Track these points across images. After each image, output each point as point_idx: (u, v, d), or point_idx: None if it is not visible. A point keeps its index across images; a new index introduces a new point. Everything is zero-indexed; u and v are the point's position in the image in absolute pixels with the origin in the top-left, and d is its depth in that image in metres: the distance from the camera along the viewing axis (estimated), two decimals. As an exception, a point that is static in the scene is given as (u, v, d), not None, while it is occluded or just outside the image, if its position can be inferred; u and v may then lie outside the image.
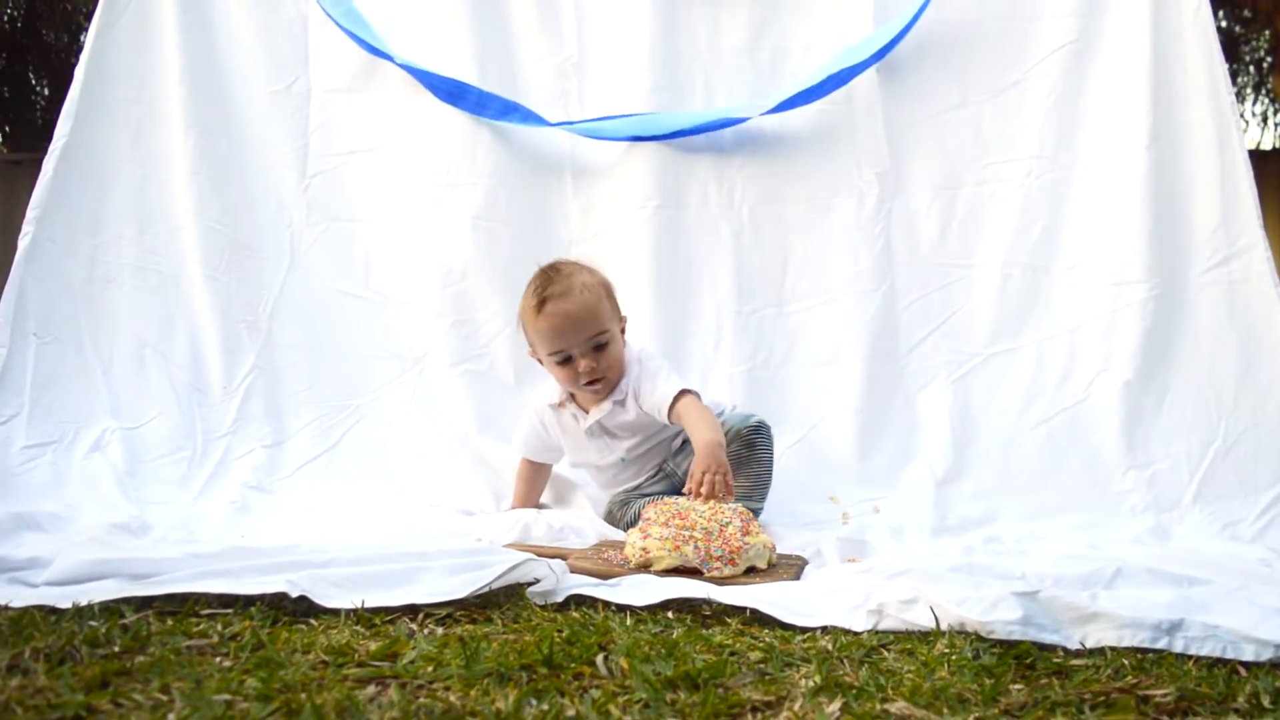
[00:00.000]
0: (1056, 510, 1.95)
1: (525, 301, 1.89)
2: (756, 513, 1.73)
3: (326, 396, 2.29)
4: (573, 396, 1.92)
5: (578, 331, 1.82)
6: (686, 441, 1.85)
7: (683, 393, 1.80)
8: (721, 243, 2.34)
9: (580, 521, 1.81)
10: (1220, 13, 5.51)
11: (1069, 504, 1.99)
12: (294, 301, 2.36)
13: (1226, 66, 2.26)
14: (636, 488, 1.94)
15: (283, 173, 2.43)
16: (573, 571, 1.46)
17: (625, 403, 1.87)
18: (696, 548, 1.47)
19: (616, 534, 1.75)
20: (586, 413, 1.90)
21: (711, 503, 1.57)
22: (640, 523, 1.57)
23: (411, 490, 2.10)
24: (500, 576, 1.32)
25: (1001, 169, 2.32)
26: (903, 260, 2.32)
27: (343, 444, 2.22)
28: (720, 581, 1.43)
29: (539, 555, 1.43)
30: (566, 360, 1.84)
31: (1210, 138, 2.21)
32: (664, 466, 1.94)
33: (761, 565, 1.50)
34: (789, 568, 1.52)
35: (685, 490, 1.68)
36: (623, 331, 1.91)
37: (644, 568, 1.49)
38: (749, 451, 1.85)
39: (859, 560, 1.59)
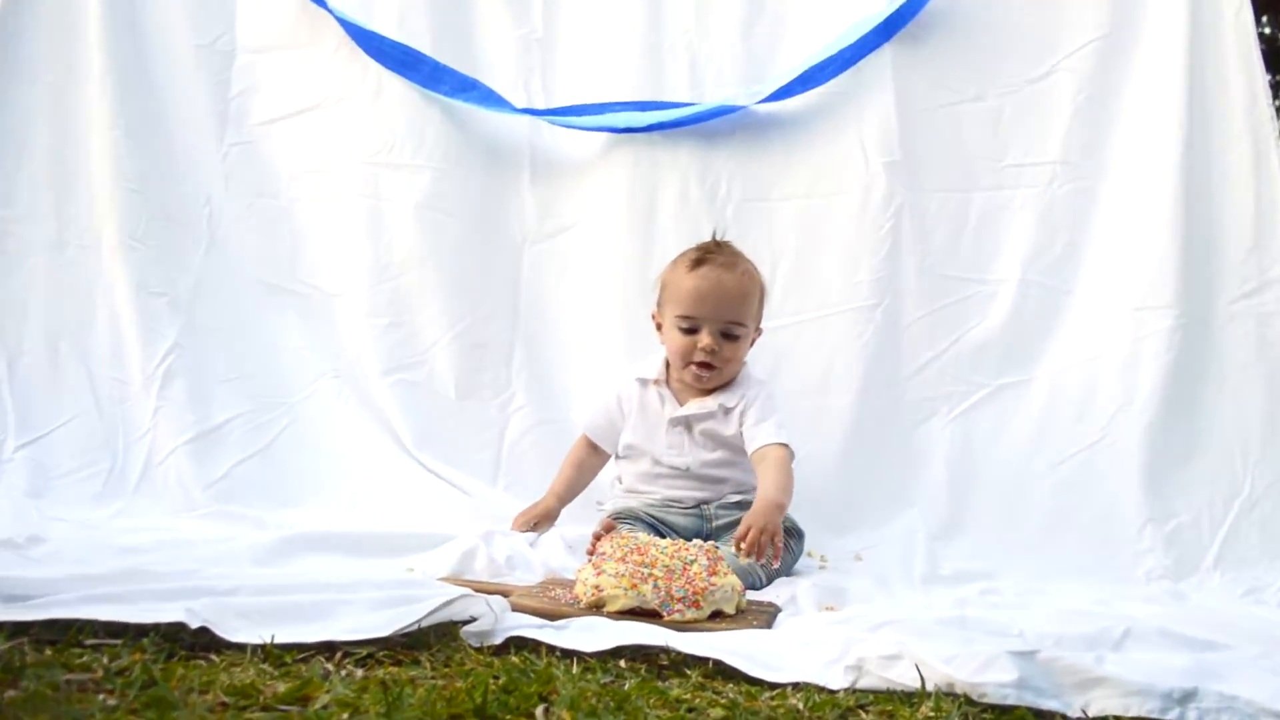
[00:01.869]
0: (1064, 570, 2.00)
1: (680, 256, 2.08)
2: (753, 588, 1.77)
3: (255, 389, 2.33)
4: (667, 380, 2.07)
5: (721, 306, 2.00)
6: (739, 505, 1.97)
7: (783, 445, 1.96)
8: (702, 246, 2.38)
9: (530, 553, 1.84)
10: (1265, 18, 5.53)
11: (1079, 563, 2.04)
12: (215, 283, 2.41)
13: (1267, 78, 2.31)
14: (663, 507, 2.00)
15: (201, 139, 2.45)
16: (515, 610, 1.48)
17: (731, 413, 2.00)
18: (656, 587, 1.50)
19: (570, 570, 1.78)
20: (679, 403, 2.04)
21: (677, 541, 1.60)
22: (593, 558, 1.60)
23: (358, 506, 2.17)
24: (431, 613, 1.33)
25: (1022, 173, 2.37)
26: (910, 271, 2.36)
27: (277, 446, 2.27)
28: (681, 626, 1.45)
29: (477, 591, 1.44)
30: (691, 331, 2.00)
31: (1246, 154, 2.26)
32: (705, 509, 2.02)
33: (729, 610, 1.53)
34: (760, 614, 1.55)
35: (733, 540, 1.79)
36: (752, 342, 2.08)
37: (596, 608, 1.51)
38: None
39: (837, 609, 1.62)
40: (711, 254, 2.06)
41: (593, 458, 2.16)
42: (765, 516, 1.81)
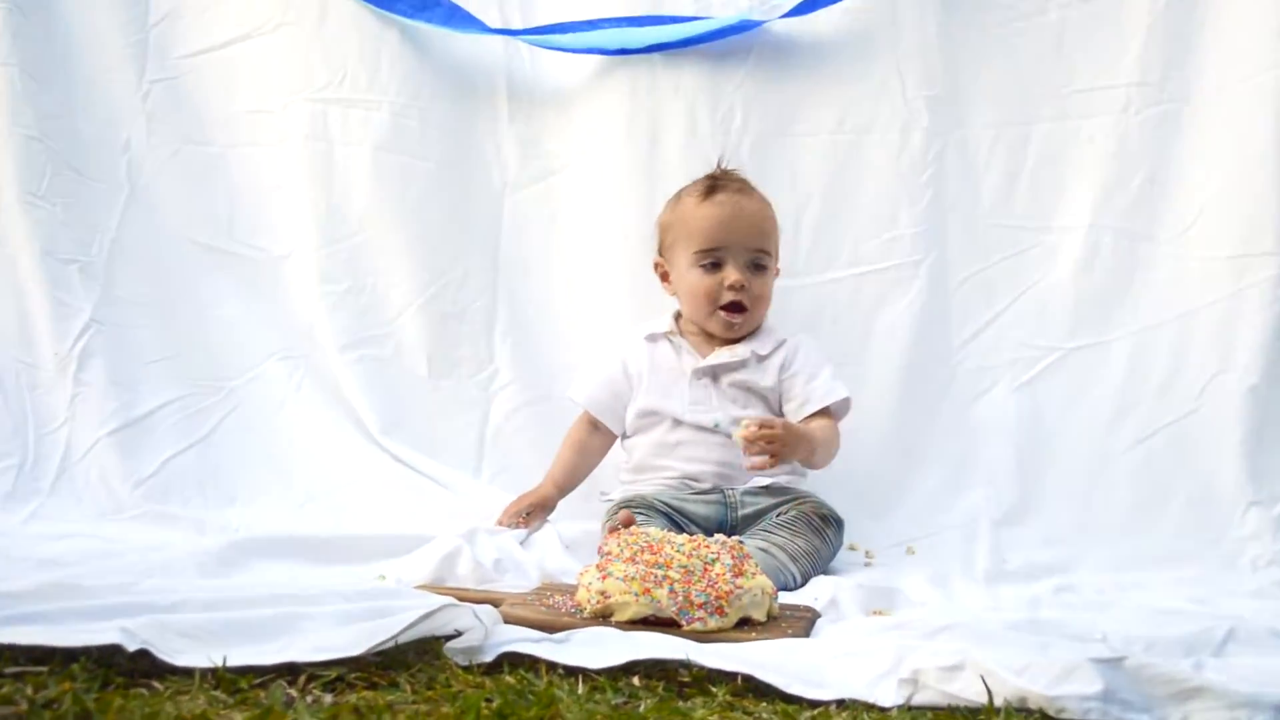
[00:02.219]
0: (1153, 561, 2.02)
1: (683, 191, 2.15)
2: (784, 588, 1.79)
3: (190, 371, 2.34)
4: (679, 330, 2.14)
5: (746, 232, 2.08)
6: (769, 490, 2.03)
7: (841, 402, 2.08)
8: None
9: (522, 555, 1.86)
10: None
11: (1170, 553, 2.05)
12: (137, 246, 2.42)
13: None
14: (680, 488, 2.04)
15: (115, 75, 2.45)
16: (508, 622, 1.48)
17: (767, 362, 2.07)
18: (673, 591, 1.50)
19: (570, 573, 1.79)
20: (699, 355, 2.11)
21: (695, 537, 1.61)
22: (598, 558, 1.59)
23: (317, 504, 2.20)
24: (409, 627, 1.33)
25: (1091, 100, 2.36)
26: (958, 220, 2.37)
27: (218, 436, 2.29)
28: (704, 636, 1.46)
29: (462, 599, 1.45)
30: (715, 266, 2.07)
31: None
32: (728, 495, 2.05)
33: (759, 616, 1.53)
34: (795, 621, 1.55)
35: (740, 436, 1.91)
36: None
37: (602, 617, 1.51)
38: (814, 533, 1.95)
39: (888, 613, 1.63)
40: (723, 180, 2.12)
41: (595, 439, 2.19)
42: (789, 430, 1.94)
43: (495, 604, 1.53)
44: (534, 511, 2.08)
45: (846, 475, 2.16)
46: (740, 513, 2.04)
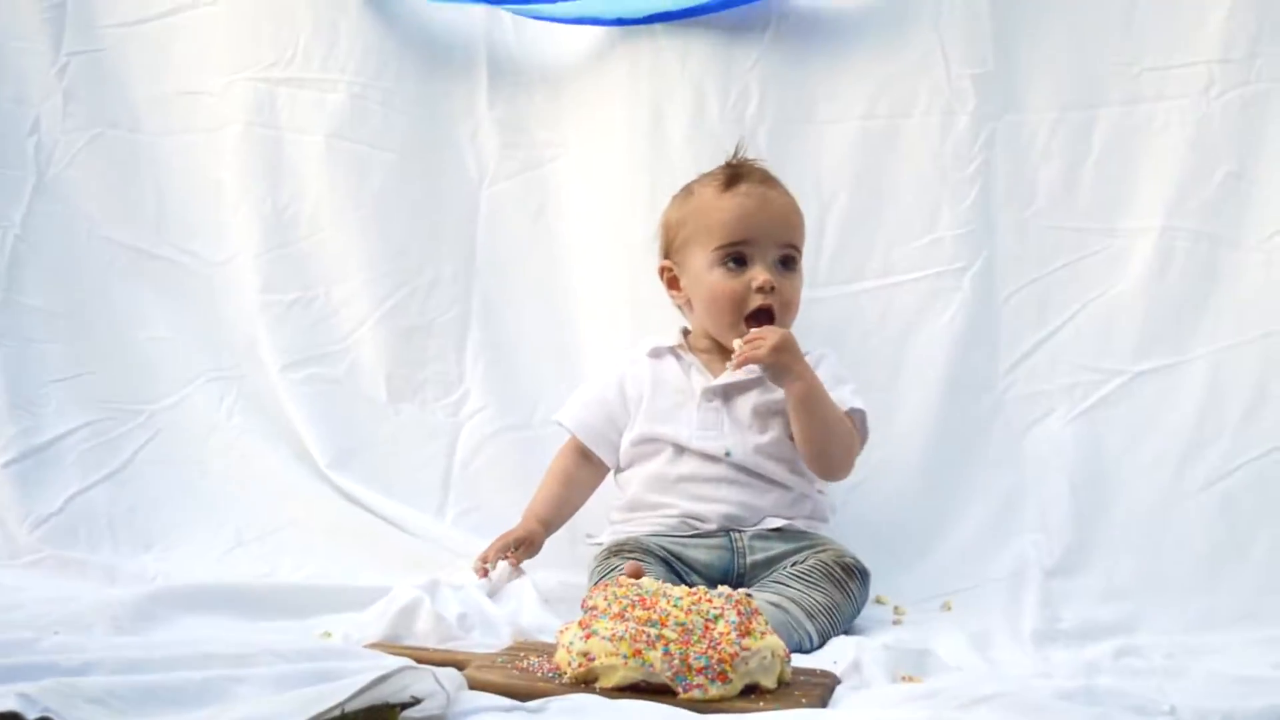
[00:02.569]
0: (1230, 620, 2.00)
1: (696, 184, 2.18)
2: (799, 649, 1.79)
3: (103, 392, 2.36)
4: (688, 345, 2.17)
5: (774, 226, 2.11)
6: (782, 534, 2.06)
7: (856, 412, 2.09)
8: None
9: (492, 609, 1.85)
10: None
11: (1250, 610, 2.04)
12: (44, 245, 2.44)
13: None
14: (681, 529, 2.05)
15: (25, 45, 2.47)
16: (474, 687, 1.48)
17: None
18: (668, 653, 1.49)
19: (548, 630, 1.78)
20: (710, 374, 2.13)
21: (695, 589, 1.60)
22: (581, 614, 1.58)
23: (251, 548, 2.21)
24: (359, 693, 1.32)
25: (1165, 80, 2.36)
26: (1008, 221, 2.38)
27: (135, 469, 2.31)
28: (704, 707, 1.45)
29: (421, 660, 1.44)
30: (740, 264, 2.09)
31: None
32: (736, 538, 2.05)
33: (768, 683, 1.52)
34: (811, 688, 1.54)
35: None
36: None
37: (585, 683, 1.50)
38: (834, 585, 1.95)
39: (919, 679, 1.62)
40: (745, 169, 2.15)
41: (584, 471, 2.20)
42: (786, 336, 2.02)
43: (460, 666, 1.52)
44: (521, 549, 2.09)
45: (872, 518, 2.18)
46: (749, 559, 2.04)
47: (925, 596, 2.13)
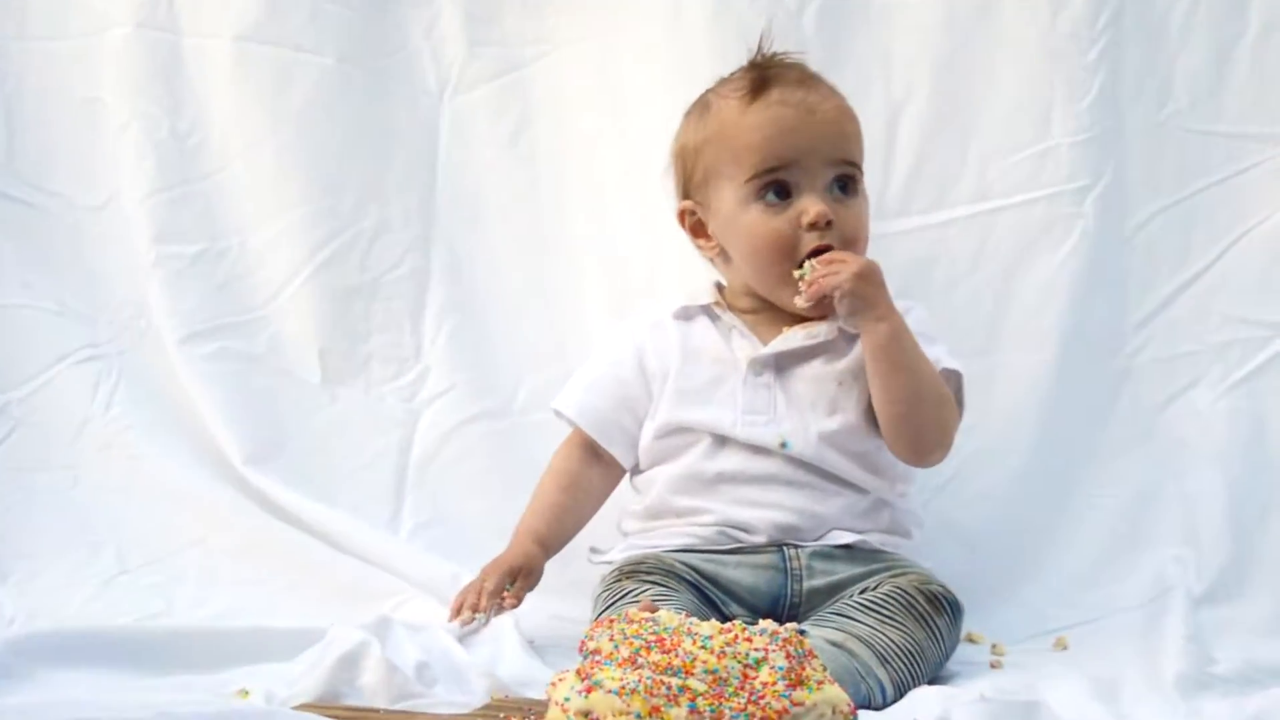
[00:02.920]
0: None
1: (712, 95, 2.13)
2: (867, 704, 1.77)
3: None
4: (724, 302, 2.14)
5: (822, 140, 2.05)
6: (851, 553, 2.03)
7: (952, 374, 2.07)
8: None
9: (460, 655, 1.84)
10: None
11: None
12: None
13: None
14: (716, 543, 2.03)
15: None
16: None
17: (856, 340, 2.05)
18: (695, 710, 1.46)
19: (536, 682, 1.77)
20: (757, 340, 2.10)
21: (730, 624, 1.58)
22: (580, 659, 1.56)
23: (141, 578, 2.22)
24: None
25: None
26: (1140, 124, 2.36)
27: None
28: (744, 784, 1.44)
29: None
30: (783, 195, 2.04)
31: None
32: (791, 555, 2.03)
33: None
34: None
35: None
36: None
37: None
38: (915, 620, 1.93)
39: None
40: (774, 70, 2.10)
41: (592, 473, 2.17)
42: (868, 263, 1.98)
43: None
44: (518, 583, 2.08)
45: (963, 526, 2.19)
46: (806, 584, 2.01)
47: (1032, 632, 2.12)
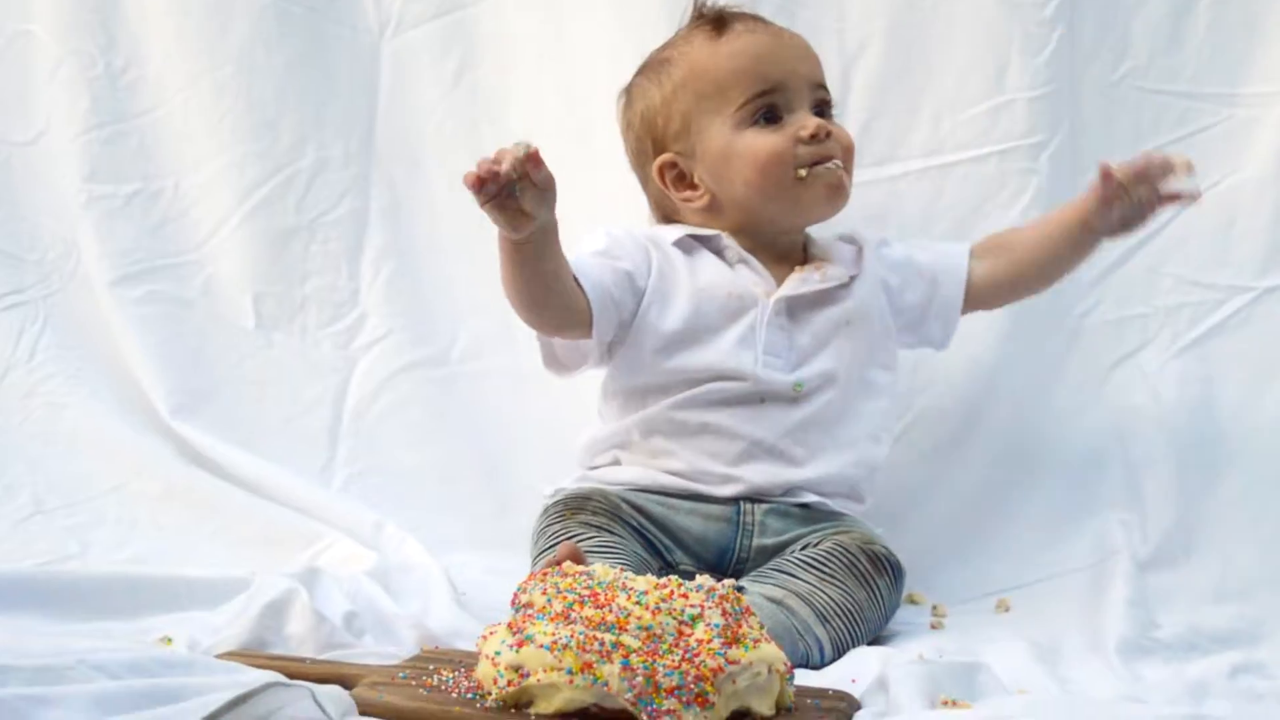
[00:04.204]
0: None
1: (670, 50, 2.16)
2: (805, 663, 1.79)
3: None
4: (720, 234, 2.11)
5: (801, 62, 2.12)
6: (807, 512, 2.05)
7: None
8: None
9: (389, 605, 1.84)
10: None
11: None
12: None
13: None
14: (677, 485, 2.04)
15: None
16: (366, 712, 1.47)
17: (867, 274, 2.12)
18: (628, 667, 1.46)
19: (466, 635, 1.77)
20: (770, 278, 2.10)
21: (666, 579, 1.58)
22: (511, 613, 1.57)
23: (60, 524, 2.21)
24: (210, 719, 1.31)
25: None
26: (1096, 81, 2.37)
27: None
28: (676, 741, 1.45)
29: (293, 676, 1.44)
30: (771, 116, 2.08)
31: None
32: (748, 511, 2.04)
33: (763, 708, 1.51)
34: (820, 715, 1.54)
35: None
36: None
37: (516, 707, 1.49)
38: (856, 579, 1.94)
39: (966, 705, 1.60)
40: (728, 12, 2.14)
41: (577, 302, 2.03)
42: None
43: (347, 683, 1.51)
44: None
45: (905, 487, 2.20)
46: (756, 541, 2.03)
47: (974, 593, 2.14)
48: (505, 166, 1.75)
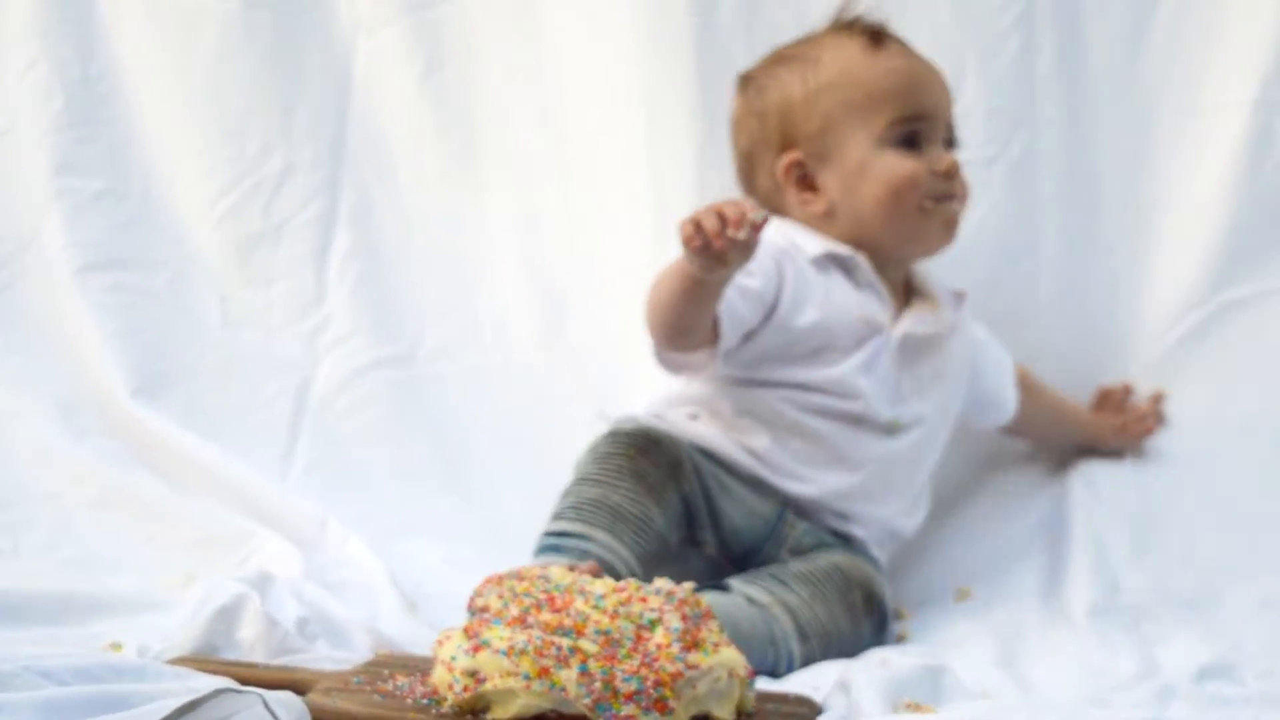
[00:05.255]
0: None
1: (816, 48, 2.11)
2: (771, 672, 1.78)
3: None
4: (855, 255, 2.06)
5: (944, 98, 2.12)
6: (836, 535, 2.04)
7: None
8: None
9: (343, 610, 1.83)
10: None
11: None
12: None
13: None
14: (764, 459, 2.02)
15: None
16: (318, 718, 1.43)
17: (962, 328, 2.14)
18: (586, 673, 1.45)
19: (421, 641, 1.75)
20: (893, 307, 2.10)
21: (626, 584, 1.57)
22: (470, 615, 1.55)
23: (12, 523, 2.19)
24: None
25: None
26: (1056, 92, 2.34)
27: None
28: (634, 748, 1.44)
29: (245, 681, 1.42)
30: (911, 141, 2.07)
31: None
32: (788, 518, 2.03)
33: (723, 714, 1.49)
34: (784, 719, 1.53)
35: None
36: None
37: (473, 713, 1.47)
38: (845, 609, 1.94)
39: (929, 710, 1.59)
40: (876, 25, 2.13)
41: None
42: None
43: (300, 689, 1.48)
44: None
45: None
46: (784, 550, 2.01)
47: (934, 584, 2.14)
48: (743, 236, 1.71)
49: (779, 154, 2.11)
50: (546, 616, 1.49)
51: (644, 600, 1.53)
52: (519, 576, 1.57)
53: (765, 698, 1.57)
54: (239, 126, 2.44)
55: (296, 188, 2.44)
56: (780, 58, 2.15)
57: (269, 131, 2.44)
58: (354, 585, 1.96)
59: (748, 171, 2.16)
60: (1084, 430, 2.25)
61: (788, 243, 2.04)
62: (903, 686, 1.63)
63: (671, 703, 1.44)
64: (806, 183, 2.10)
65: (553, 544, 1.86)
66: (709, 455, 2.00)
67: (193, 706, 1.30)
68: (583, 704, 1.43)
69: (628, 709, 1.43)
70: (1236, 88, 2.30)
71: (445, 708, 1.47)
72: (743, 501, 2.00)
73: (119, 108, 2.45)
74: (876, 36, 2.10)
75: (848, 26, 2.13)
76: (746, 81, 2.17)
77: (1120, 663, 1.80)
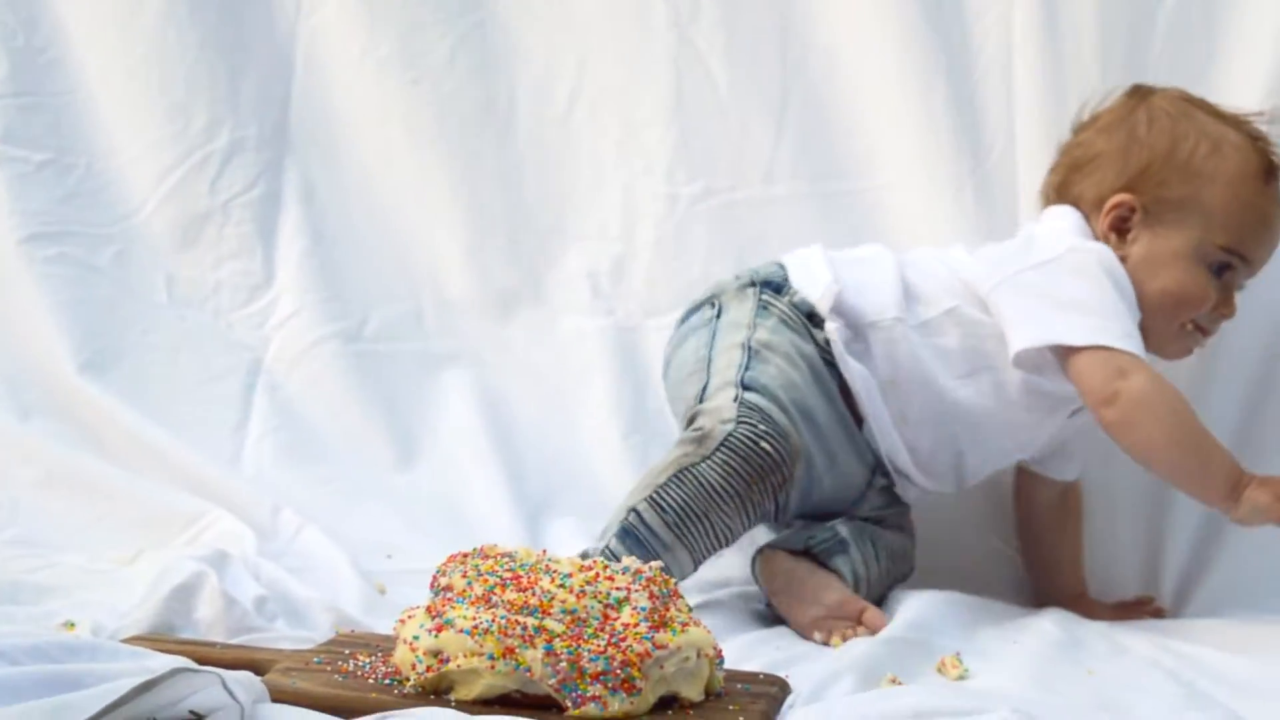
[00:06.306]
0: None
1: (1223, 138, 2.06)
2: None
3: None
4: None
5: (1271, 253, 2.09)
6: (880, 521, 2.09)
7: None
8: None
9: (302, 589, 1.80)
10: None
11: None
12: None
13: None
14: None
15: None
16: (279, 699, 1.40)
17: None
18: (552, 652, 1.41)
19: (382, 619, 1.72)
20: None
21: (593, 561, 1.53)
22: (434, 594, 1.52)
23: None
24: (112, 708, 1.25)
25: None
26: (1029, 101, 2.28)
27: None
28: (602, 728, 1.41)
29: (202, 661, 1.39)
30: (1220, 272, 2.05)
31: None
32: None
33: (692, 694, 1.45)
34: (752, 701, 1.49)
35: None
36: None
37: (436, 693, 1.44)
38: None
39: (904, 684, 1.58)
40: (1277, 170, 2.10)
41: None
42: None
43: (259, 669, 1.45)
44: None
45: None
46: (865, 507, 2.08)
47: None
48: None
49: (1120, 185, 2.09)
50: (511, 595, 1.45)
51: (611, 579, 1.49)
52: (483, 555, 1.53)
53: (734, 677, 1.54)
54: (185, 101, 2.45)
55: (242, 166, 2.46)
56: (1188, 109, 2.10)
57: (215, 107, 2.45)
58: (312, 567, 1.95)
59: (1077, 165, 2.13)
60: (1067, 575, 2.19)
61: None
62: (881, 661, 1.63)
63: (639, 683, 1.41)
64: (1120, 224, 2.08)
65: (634, 535, 1.86)
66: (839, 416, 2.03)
67: (149, 686, 1.26)
68: (548, 684, 1.40)
69: (594, 689, 1.40)
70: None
71: (408, 688, 1.44)
72: (842, 475, 2.02)
73: (63, 79, 2.44)
74: (1273, 173, 2.08)
75: (1260, 143, 2.09)
76: (1143, 96, 2.12)
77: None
